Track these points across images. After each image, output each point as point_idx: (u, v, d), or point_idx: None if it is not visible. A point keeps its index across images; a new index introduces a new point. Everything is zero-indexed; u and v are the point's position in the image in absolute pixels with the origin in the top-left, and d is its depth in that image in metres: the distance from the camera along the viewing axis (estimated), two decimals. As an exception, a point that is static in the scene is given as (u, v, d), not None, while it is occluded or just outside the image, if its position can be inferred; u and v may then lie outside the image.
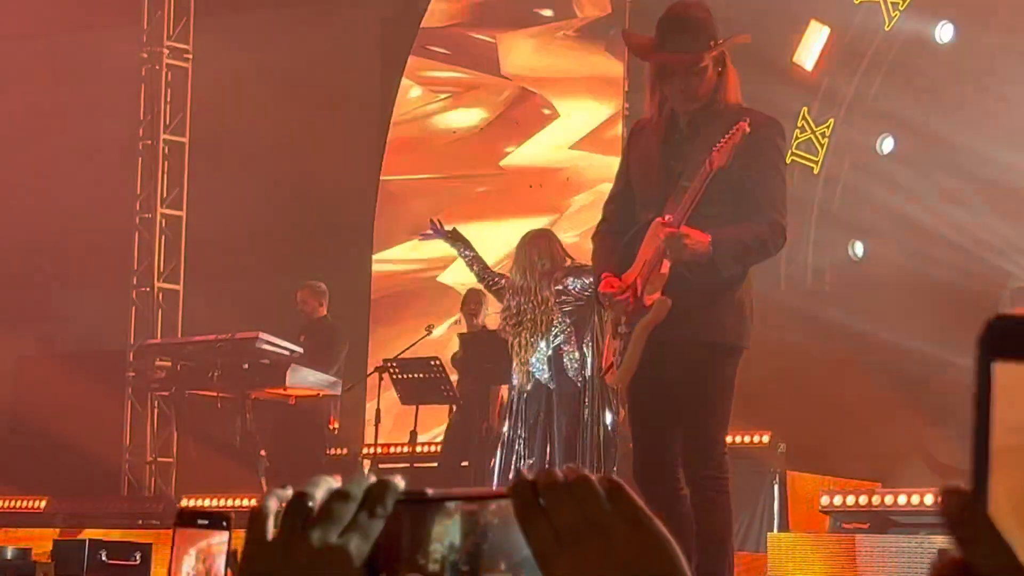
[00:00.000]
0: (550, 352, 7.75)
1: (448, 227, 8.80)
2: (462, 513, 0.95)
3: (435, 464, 9.79)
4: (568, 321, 7.71)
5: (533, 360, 7.76)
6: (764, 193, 5.02)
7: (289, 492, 0.96)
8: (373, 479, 0.97)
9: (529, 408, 7.87)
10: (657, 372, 5.03)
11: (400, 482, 0.96)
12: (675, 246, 4.86)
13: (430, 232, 8.89)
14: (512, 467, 7.86)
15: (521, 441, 7.90)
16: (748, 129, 4.88)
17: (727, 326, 5.02)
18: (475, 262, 8.54)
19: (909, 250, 10.18)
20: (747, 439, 8.56)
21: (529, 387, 7.84)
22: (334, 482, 0.98)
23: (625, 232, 5.19)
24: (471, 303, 10.12)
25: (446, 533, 0.96)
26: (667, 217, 4.93)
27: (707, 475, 4.95)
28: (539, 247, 7.82)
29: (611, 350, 5.26)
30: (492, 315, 9.86)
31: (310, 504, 0.95)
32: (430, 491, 0.96)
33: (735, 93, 5.09)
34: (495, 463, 8.12)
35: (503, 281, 8.11)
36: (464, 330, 10.23)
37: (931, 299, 9.89)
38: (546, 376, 7.78)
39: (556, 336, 7.67)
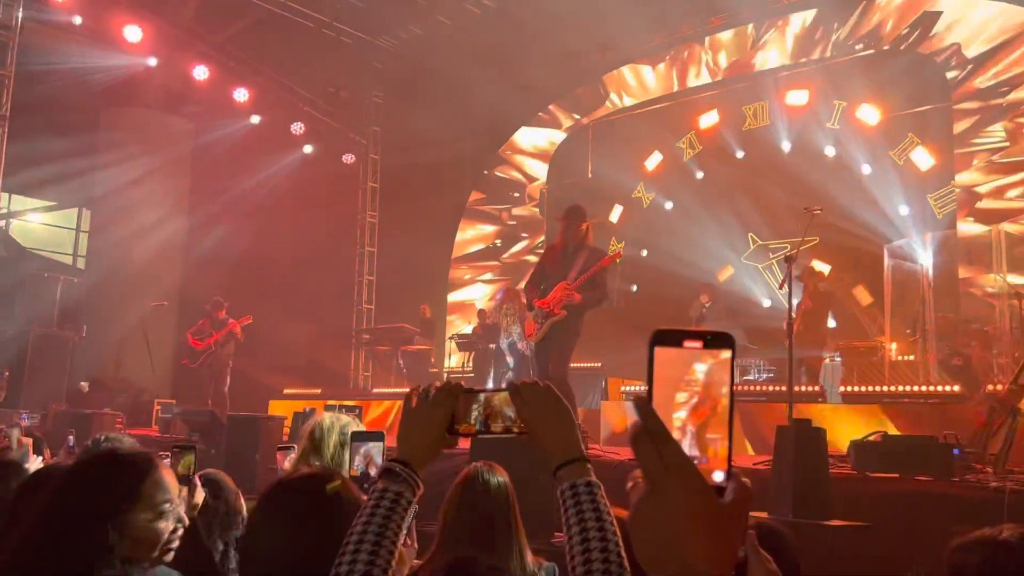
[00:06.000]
0: (515, 341, 14.93)
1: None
2: (485, 397, 1.74)
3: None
4: (519, 329, 14.69)
5: (506, 343, 15.12)
6: (597, 274, 9.22)
7: (420, 387, 1.83)
8: (452, 383, 1.84)
9: (506, 361, 15.11)
10: (547, 339, 9.40)
11: (462, 383, 1.82)
12: (569, 295, 9.14)
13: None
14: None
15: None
16: (619, 258, 9.29)
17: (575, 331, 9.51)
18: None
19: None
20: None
21: (512, 357, 14.95)
22: (437, 383, 1.82)
23: (539, 285, 9.52)
24: (483, 314, 18.39)
25: (477, 405, 1.69)
26: (569, 280, 9.25)
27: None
28: (501, 304, 15.66)
29: (531, 328, 9.51)
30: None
31: (429, 394, 1.82)
32: (476, 388, 1.77)
33: (591, 240, 9.51)
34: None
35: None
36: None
37: None
38: (515, 349, 14.98)
39: (515, 335, 14.92)
